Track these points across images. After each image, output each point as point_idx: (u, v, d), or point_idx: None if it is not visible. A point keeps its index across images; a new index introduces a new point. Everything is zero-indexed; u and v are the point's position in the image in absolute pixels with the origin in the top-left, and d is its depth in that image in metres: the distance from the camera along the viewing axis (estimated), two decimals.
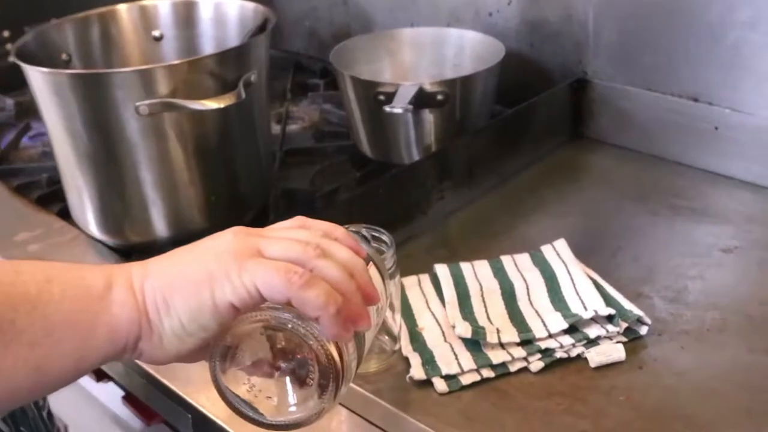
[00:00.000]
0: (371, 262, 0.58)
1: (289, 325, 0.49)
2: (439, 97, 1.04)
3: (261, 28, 0.96)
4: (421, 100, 1.03)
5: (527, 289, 0.85)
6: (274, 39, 1.58)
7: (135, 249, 0.98)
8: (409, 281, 0.87)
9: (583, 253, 0.89)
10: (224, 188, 0.98)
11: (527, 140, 1.11)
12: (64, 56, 1.02)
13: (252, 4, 1.03)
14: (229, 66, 0.88)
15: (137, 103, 0.84)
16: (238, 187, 0.99)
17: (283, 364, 0.52)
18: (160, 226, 0.95)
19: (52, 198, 1.11)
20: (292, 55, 1.56)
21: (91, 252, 1.00)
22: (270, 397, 0.52)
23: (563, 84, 1.15)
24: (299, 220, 0.57)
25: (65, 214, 1.05)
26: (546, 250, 0.90)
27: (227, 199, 0.99)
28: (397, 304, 0.77)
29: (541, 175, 1.09)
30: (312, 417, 0.51)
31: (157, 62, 1.01)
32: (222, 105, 0.85)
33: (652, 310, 0.81)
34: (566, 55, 1.16)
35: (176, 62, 0.86)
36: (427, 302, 0.85)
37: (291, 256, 0.50)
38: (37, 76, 0.88)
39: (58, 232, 1.05)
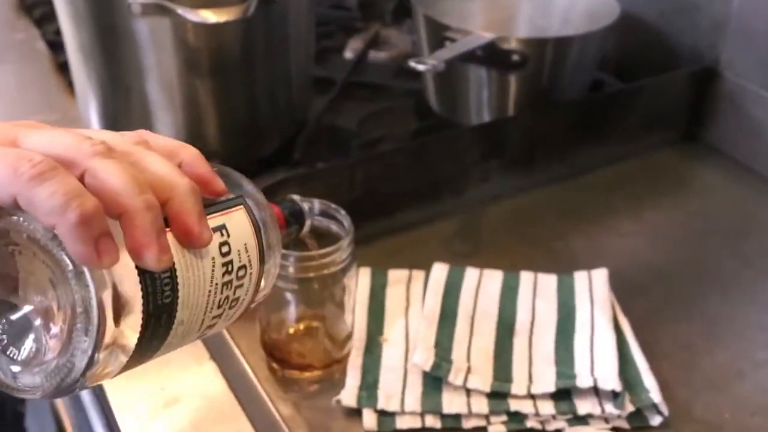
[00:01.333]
0: (242, 207, 0.41)
1: (24, 231, 0.33)
2: (515, 57, 0.85)
3: None
4: (493, 58, 0.85)
5: (532, 323, 0.67)
6: None
7: None
8: (398, 276, 0.71)
9: (629, 291, 0.70)
10: (238, 113, 0.84)
11: (620, 130, 0.90)
12: None
13: None
14: None
15: (129, 1, 0.71)
16: (257, 114, 0.85)
17: (32, 297, 0.35)
18: None
19: None
20: None
21: None
22: (8, 345, 0.36)
23: (686, 70, 0.91)
24: (139, 133, 0.40)
25: None
26: (579, 278, 0.71)
27: (242, 125, 0.85)
28: (349, 301, 0.62)
29: (625, 176, 0.88)
30: (48, 385, 0.34)
31: None
32: (221, 20, 0.71)
33: (680, 393, 0.62)
34: (700, 35, 0.92)
35: None
36: (407, 307, 0.69)
37: (56, 151, 0.34)
38: None
39: (71, 121, 0.95)
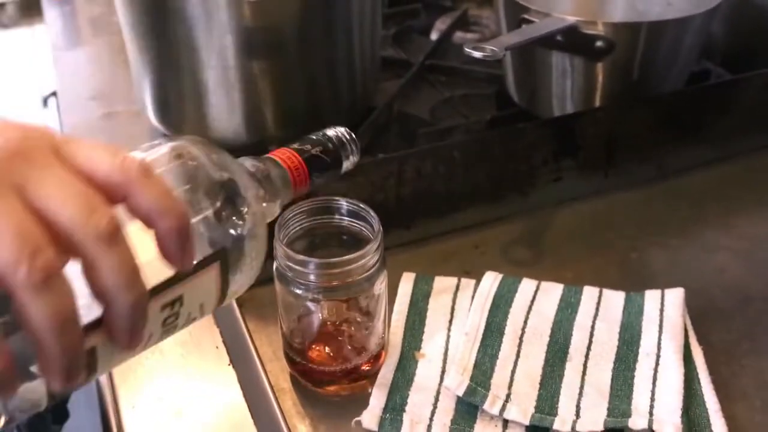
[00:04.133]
0: (217, 266, 0.41)
1: None
2: (599, 43, 0.77)
3: None
4: (575, 43, 0.77)
5: (588, 347, 0.60)
6: None
7: None
8: (444, 284, 0.66)
9: (709, 317, 0.62)
10: (298, 96, 0.80)
11: (718, 129, 0.81)
12: None
13: None
14: None
15: None
16: (317, 98, 0.81)
17: None
18: (215, 128, 0.80)
19: None
20: None
21: (146, 138, 0.88)
22: None
23: None
24: (136, 169, 0.37)
25: None
26: (650, 297, 0.63)
27: (301, 109, 0.81)
28: (379, 310, 0.57)
29: (719, 182, 0.79)
30: None
31: None
32: None
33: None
34: None
35: None
36: (450, 320, 0.63)
37: (61, 218, 0.34)
38: None
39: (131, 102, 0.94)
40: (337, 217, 0.57)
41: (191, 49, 0.76)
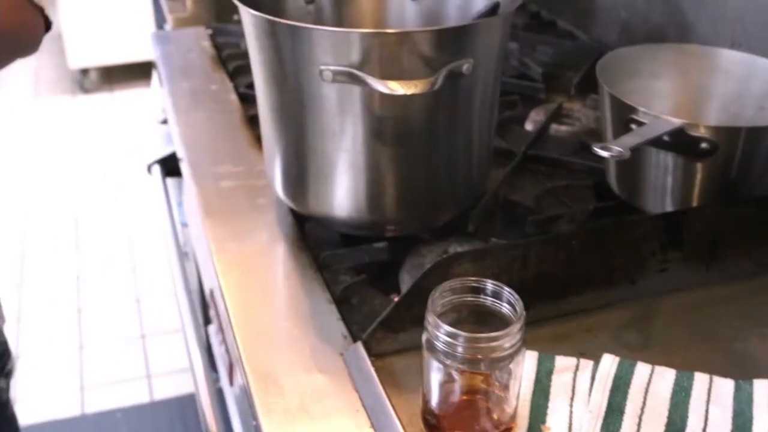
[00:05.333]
0: None
1: None
2: (703, 145, 0.83)
3: (494, 10, 0.82)
4: (680, 144, 0.84)
5: (704, 429, 0.65)
6: (585, 22, 1.43)
7: (312, 219, 0.92)
8: (565, 363, 0.71)
9: None
10: (418, 183, 0.87)
11: None
12: None
13: None
14: (436, 49, 0.76)
15: (321, 67, 0.76)
16: (436, 186, 0.88)
17: None
18: (339, 205, 0.87)
19: None
20: (599, 45, 1.39)
21: (271, 209, 0.96)
22: None
23: None
24: None
25: None
26: (759, 386, 0.68)
27: (420, 195, 0.88)
28: (514, 386, 0.63)
29: None
30: None
31: (391, 21, 0.93)
32: (408, 92, 0.74)
33: None
34: None
35: (365, 31, 0.76)
36: (572, 397, 0.69)
37: None
38: (245, 15, 0.83)
39: (256, 174, 1.03)
40: (482, 296, 0.63)
41: (324, 133, 0.83)
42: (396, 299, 0.76)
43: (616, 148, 0.75)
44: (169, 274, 1.30)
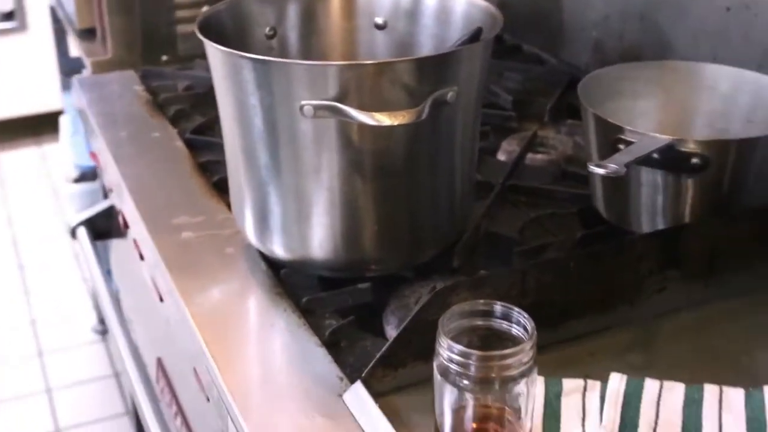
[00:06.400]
0: None
1: None
2: (694, 160, 0.99)
3: (476, 36, 0.97)
4: (671, 161, 0.99)
5: None
6: (554, 45, 1.60)
7: (288, 264, 1.04)
8: (572, 385, 0.85)
9: None
10: (399, 219, 1.00)
11: None
12: (268, 30, 1.11)
13: (481, 3, 1.04)
14: (420, 78, 0.90)
15: (302, 102, 0.89)
16: (417, 221, 1.01)
17: None
18: (317, 246, 1.00)
19: None
20: (570, 69, 1.55)
21: (241, 256, 1.08)
22: None
23: None
24: None
25: None
26: None
27: (402, 232, 1.01)
28: (527, 406, 0.76)
29: None
30: None
31: (362, 52, 1.07)
32: (395, 123, 0.87)
33: None
34: None
35: (348, 63, 0.90)
36: (583, 417, 0.82)
37: None
38: (211, 53, 0.96)
39: (218, 224, 1.15)
40: (491, 319, 0.76)
41: (301, 171, 0.96)
42: (394, 335, 0.88)
43: (612, 166, 0.89)
44: (114, 345, 1.40)
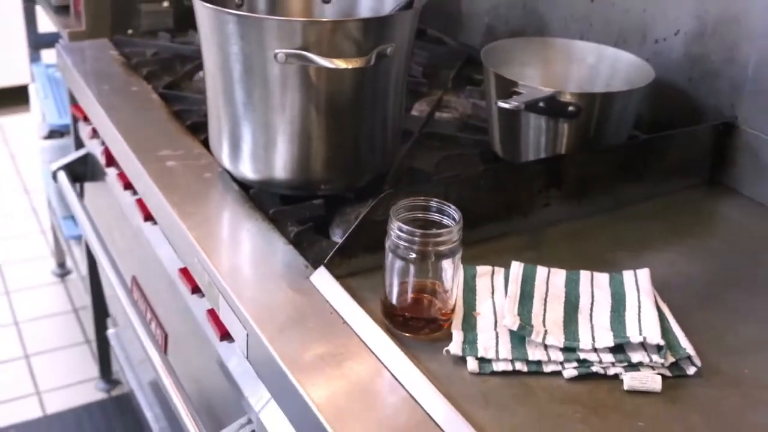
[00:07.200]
0: None
1: None
2: (571, 108, 1.11)
3: (408, 5, 1.07)
4: (553, 108, 1.11)
5: (592, 303, 0.91)
6: (453, 29, 1.71)
7: (255, 185, 1.13)
8: (484, 270, 0.96)
9: (667, 289, 0.94)
10: (345, 148, 1.09)
11: (656, 172, 1.15)
12: (237, 1, 1.18)
13: None
14: (367, 34, 1.00)
15: (276, 51, 0.98)
16: (359, 151, 1.11)
17: None
18: (280, 168, 1.08)
19: (201, 127, 1.28)
20: (467, 48, 1.67)
21: (217, 180, 1.15)
22: None
23: (707, 124, 1.18)
24: None
25: (207, 144, 1.21)
26: (627, 274, 0.95)
27: (347, 159, 1.10)
28: (453, 282, 0.86)
29: (660, 209, 1.14)
30: None
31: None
32: (349, 66, 0.97)
33: (709, 355, 0.85)
34: (721, 96, 1.19)
35: (316, 20, 0.99)
36: (492, 292, 0.93)
37: None
38: (201, 11, 1.04)
39: (195, 156, 1.22)
40: (429, 212, 0.86)
41: (269, 108, 1.04)
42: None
43: (514, 102, 1.01)
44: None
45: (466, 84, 1.54)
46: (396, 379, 0.81)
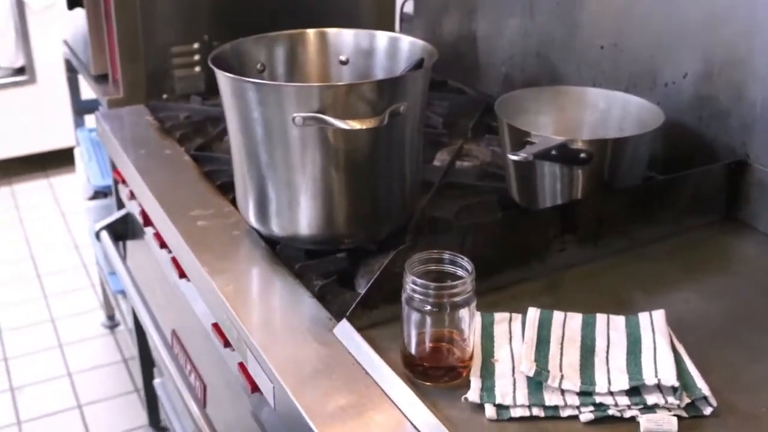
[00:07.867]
0: None
1: None
2: (582, 155, 1.11)
3: (419, 65, 1.09)
4: (565, 155, 1.11)
5: (608, 346, 0.90)
6: (471, 79, 1.72)
7: (281, 241, 1.14)
8: (501, 317, 0.96)
9: (683, 329, 0.93)
10: (365, 203, 1.11)
11: (671, 211, 1.15)
12: (258, 66, 1.21)
13: (421, 42, 1.16)
14: (380, 95, 1.01)
15: (294, 114, 1.00)
16: (378, 205, 1.12)
17: None
18: (304, 225, 1.10)
19: (230, 187, 1.30)
20: (485, 97, 1.68)
21: (245, 237, 1.17)
22: None
23: (720, 163, 1.17)
24: None
25: (236, 203, 1.23)
26: (643, 316, 0.94)
27: (367, 213, 1.12)
28: (470, 330, 0.86)
29: (676, 248, 1.13)
30: None
31: (332, 81, 1.18)
32: (364, 127, 0.98)
33: (726, 395, 0.84)
34: (732, 134, 1.18)
35: (331, 84, 1.01)
36: (510, 339, 0.93)
37: None
38: (222, 80, 1.06)
39: (225, 215, 1.24)
40: (443, 264, 0.87)
41: (290, 167, 1.06)
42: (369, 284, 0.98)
43: (523, 154, 1.01)
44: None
45: (485, 132, 1.55)
46: (416, 428, 0.82)
